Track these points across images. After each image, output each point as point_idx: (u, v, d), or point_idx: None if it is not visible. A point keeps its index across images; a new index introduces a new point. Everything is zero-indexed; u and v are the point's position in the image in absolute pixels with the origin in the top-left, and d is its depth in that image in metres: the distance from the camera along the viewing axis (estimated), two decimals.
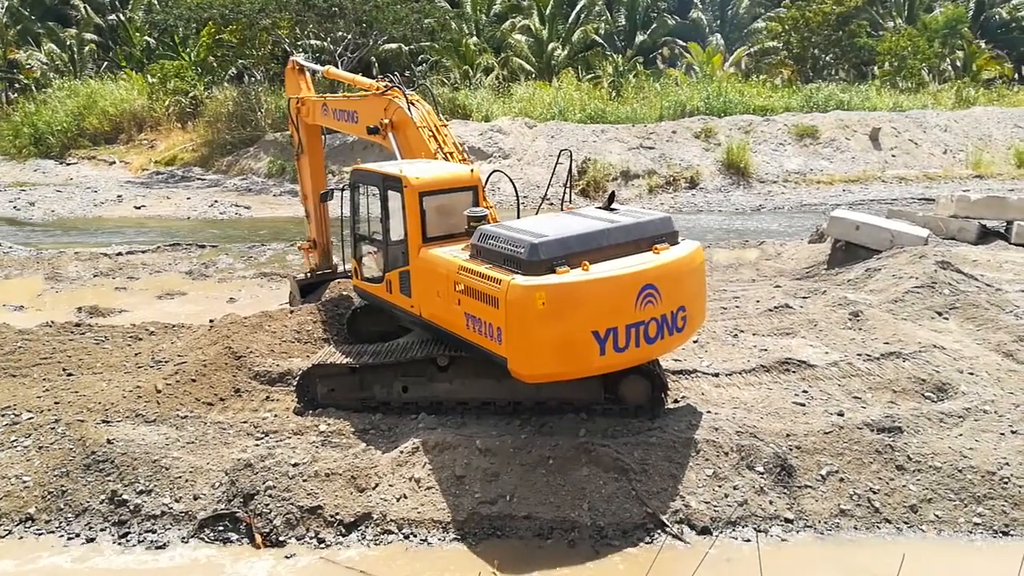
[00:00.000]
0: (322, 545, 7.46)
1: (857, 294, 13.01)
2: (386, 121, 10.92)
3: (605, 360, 7.71)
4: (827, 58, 45.40)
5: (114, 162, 35.72)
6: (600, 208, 9.01)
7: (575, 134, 31.11)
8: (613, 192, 9.73)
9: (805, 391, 9.58)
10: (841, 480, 7.98)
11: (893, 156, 31.46)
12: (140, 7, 44.46)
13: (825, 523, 7.65)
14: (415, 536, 7.53)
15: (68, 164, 35.73)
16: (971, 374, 9.82)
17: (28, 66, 42.27)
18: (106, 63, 44.73)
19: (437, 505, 7.73)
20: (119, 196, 29.24)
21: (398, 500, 7.81)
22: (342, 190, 10.28)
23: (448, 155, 10.39)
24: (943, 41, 43.84)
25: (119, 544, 7.55)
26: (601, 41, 45.23)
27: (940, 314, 11.95)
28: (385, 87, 11.19)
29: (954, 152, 31.91)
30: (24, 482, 8.11)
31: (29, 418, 9.07)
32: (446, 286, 8.33)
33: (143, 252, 19.53)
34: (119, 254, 19.19)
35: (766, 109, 34.20)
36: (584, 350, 7.57)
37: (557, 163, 11.39)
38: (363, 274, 10.14)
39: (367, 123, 11.25)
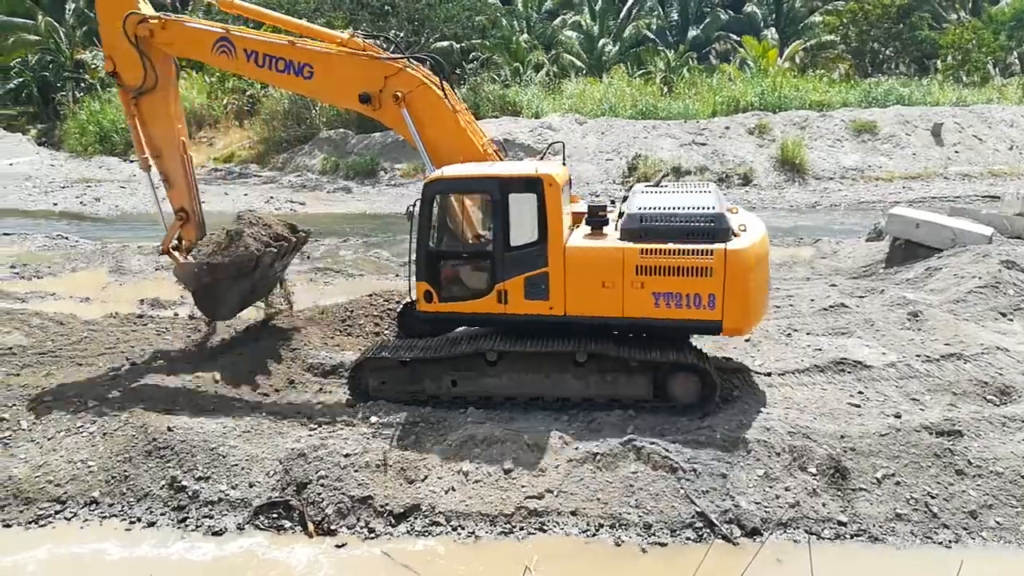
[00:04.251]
0: (372, 535, 7.59)
1: (916, 294, 12.68)
2: (399, 93, 9.41)
3: (766, 308, 9.27)
4: (887, 52, 44.22)
5: None
6: (651, 186, 9.93)
7: (626, 130, 30.90)
8: (666, 173, 10.32)
9: (861, 392, 9.38)
10: (897, 484, 7.80)
11: (956, 152, 30.49)
12: (200, 8, 45.59)
13: (880, 527, 7.48)
14: (463, 528, 7.60)
15: (131, 161, 36.84)
16: None
17: (93, 66, 43.68)
18: None
19: (485, 498, 7.80)
20: None
21: (446, 492, 7.90)
22: (413, 207, 9.08)
23: (484, 149, 9.72)
24: (1010, 34, 42.33)
25: (178, 528, 7.80)
26: (653, 36, 44.86)
27: (1004, 315, 11.58)
28: (392, 53, 9.66)
29: (1020, 148, 30.78)
30: (89, 467, 8.42)
31: (94, 405, 9.41)
32: (620, 274, 8.55)
33: None
34: None
35: (823, 104, 33.45)
36: (765, 300, 9.08)
37: (551, 152, 10.54)
38: (446, 294, 9.18)
39: (355, 87, 9.53)
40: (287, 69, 9.67)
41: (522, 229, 8.76)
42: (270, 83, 9.42)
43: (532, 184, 8.66)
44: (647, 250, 8.48)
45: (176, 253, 10.42)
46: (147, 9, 10.08)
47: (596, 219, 9.02)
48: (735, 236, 8.49)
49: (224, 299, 10.43)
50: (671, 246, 8.43)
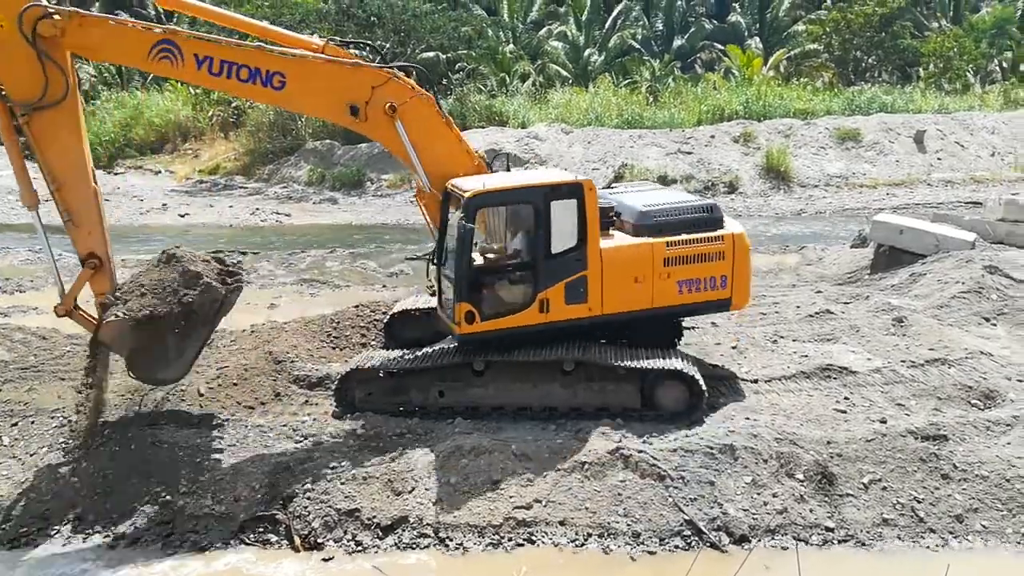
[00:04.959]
0: (359, 548, 7.53)
1: (901, 299, 12.75)
2: (391, 104, 8.72)
3: None
4: (870, 60, 44.59)
5: (160, 171, 36.52)
6: (604, 188, 10.75)
7: (611, 139, 30.99)
8: (618, 176, 10.95)
9: (847, 398, 9.42)
10: (884, 489, 7.83)
11: (939, 159, 30.76)
12: (185, 20, 45.54)
13: (867, 532, 7.51)
14: (451, 540, 7.56)
15: (116, 173, 36.57)
16: (1020, 381, 9.56)
17: (78, 79, 43.49)
18: (152, 75, 45.83)
19: (472, 509, 7.76)
20: (164, 204, 29.86)
21: (434, 504, 7.86)
22: (463, 221, 8.56)
23: (475, 161, 9.47)
24: (990, 42, 42.83)
25: (163, 545, 7.70)
26: (638, 46, 45.01)
27: (987, 320, 11.66)
28: (380, 62, 9.09)
29: (1002, 154, 31.09)
30: (72, 483, 8.32)
31: (78, 420, 9.30)
32: (651, 268, 9.09)
33: None
34: None
35: (807, 112, 33.65)
36: None
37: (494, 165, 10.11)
38: (488, 312, 8.86)
39: (337, 98, 8.71)
40: (252, 78, 8.32)
41: (562, 235, 8.86)
42: (230, 94, 7.56)
43: (574, 190, 8.85)
44: (672, 242, 9.12)
45: (83, 313, 8.57)
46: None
47: (606, 220, 9.29)
48: (725, 223, 9.44)
49: (171, 357, 8.54)
50: (690, 236, 9.19)
